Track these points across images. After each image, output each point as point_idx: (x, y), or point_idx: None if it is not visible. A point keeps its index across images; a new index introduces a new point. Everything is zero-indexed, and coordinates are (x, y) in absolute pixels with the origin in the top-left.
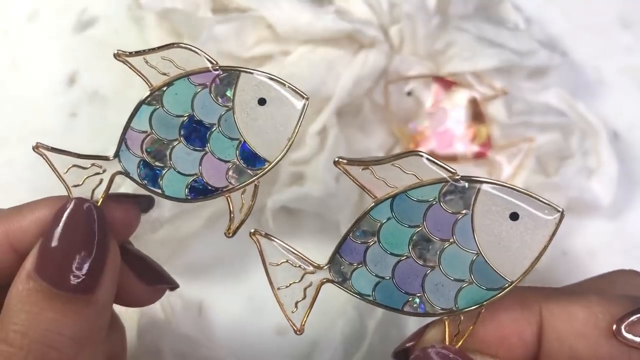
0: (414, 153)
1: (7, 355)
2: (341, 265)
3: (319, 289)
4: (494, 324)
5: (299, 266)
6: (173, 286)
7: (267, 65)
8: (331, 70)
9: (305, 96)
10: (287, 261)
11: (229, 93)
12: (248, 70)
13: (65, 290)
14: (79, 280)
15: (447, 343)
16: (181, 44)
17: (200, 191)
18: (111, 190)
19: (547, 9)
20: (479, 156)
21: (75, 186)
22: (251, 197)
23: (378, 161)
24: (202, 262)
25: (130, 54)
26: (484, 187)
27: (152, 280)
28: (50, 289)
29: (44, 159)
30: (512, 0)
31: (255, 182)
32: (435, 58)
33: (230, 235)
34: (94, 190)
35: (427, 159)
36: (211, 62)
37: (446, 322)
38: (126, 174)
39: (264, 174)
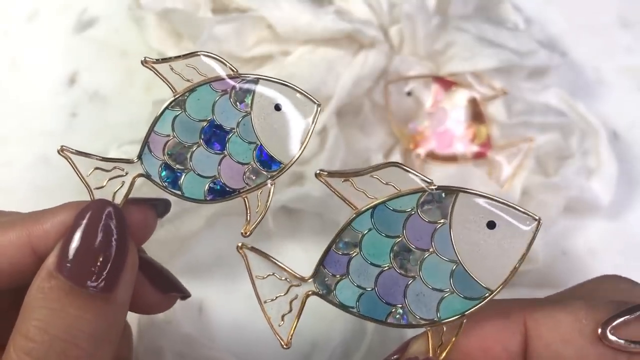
0: (392, 164)
1: (28, 350)
2: (325, 277)
3: (305, 302)
4: (477, 335)
5: (285, 279)
6: (185, 295)
7: (267, 66)
8: (331, 71)
9: (317, 102)
10: (273, 274)
11: (247, 99)
12: (266, 77)
13: (87, 288)
14: (99, 278)
15: (430, 355)
16: (205, 53)
17: (218, 192)
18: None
19: (547, 9)
20: (478, 156)
21: (97, 188)
22: (267, 198)
23: (357, 173)
24: (202, 262)
25: (157, 61)
26: (461, 196)
27: (165, 288)
28: (72, 286)
29: (68, 162)
30: (512, 1)
31: (271, 183)
32: (435, 58)
33: (247, 234)
34: (115, 193)
35: (404, 169)
36: (232, 70)
37: (429, 334)
38: (147, 176)
39: (279, 175)
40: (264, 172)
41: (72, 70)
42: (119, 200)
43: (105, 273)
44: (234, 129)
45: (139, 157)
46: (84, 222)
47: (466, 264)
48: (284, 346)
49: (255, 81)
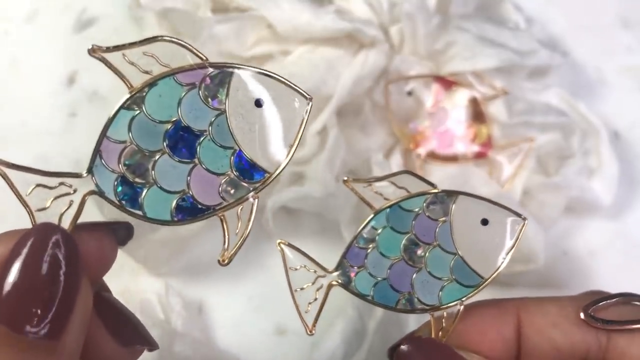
0: (405, 172)
1: None
2: (346, 269)
3: (329, 291)
4: (474, 321)
5: (313, 271)
6: (152, 347)
7: (267, 65)
8: (331, 70)
9: (309, 96)
10: (304, 266)
11: (221, 94)
12: (242, 66)
13: (26, 335)
14: (42, 322)
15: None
16: (165, 37)
17: (188, 211)
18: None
19: (548, 9)
20: (479, 156)
21: (40, 210)
22: (249, 216)
23: (377, 179)
24: (202, 262)
25: (108, 49)
26: (460, 198)
27: (127, 339)
28: (7, 332)
29: (2, 177)
30: (513, 0)
31: (253, 197)
32: (436, 58)
33: (226, 263)
34: (61, 215)
35: (415, 175)
36: (201, 58)
37: (432, 320)
38: (100, 193)
39: (263, 187)
40: (245, 184)
41: (72, 70)
42: (66, 224)
43: (50, 316)
44: (205, 131)
45: (89, 169)
46: (24, 251)
47: (464, 256)
48: (309, 332)
49: (230, 71)
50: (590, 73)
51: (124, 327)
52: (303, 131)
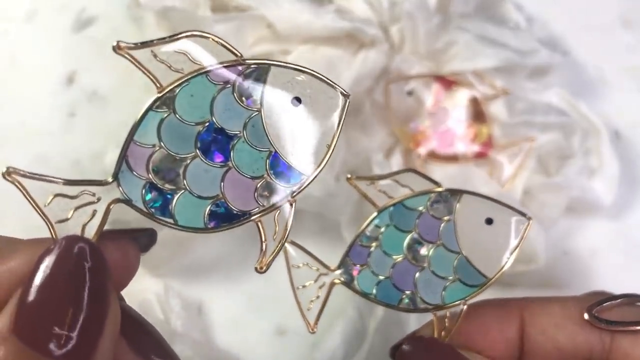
0: (409, 170)
1: None
2: (349, 267)
3: (331, 289)
4: (477, 321)
5: (316, 269)
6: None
7: None
8: (331, 70)
9: (346, 93)
10: (307, 264)
11: (256, 93)
12: (280, 63)
13: (54, 358)
14: (71, 343)
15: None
16: (196, 32)
17: (223, 217)
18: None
19: (549, 9)
20: (480, 156)
21: (60, 222)
22: (286, 220)
23: (380, 177)
24: (202, 262)
25: (135, 46)
26: (464, 197)
27: (148, 351)
28: (32, 354)
29: (17, 188)
30: (513, 0)
31: (291, 201)
32: (436, 57)
33: (263, 270)
34: (84, 226)
35: (419, 174)
36: (235, 54)
37: (434, 320)
38: (128, 201)
39: (301, 191)
40: (281, 187)
41: (71, 70)
42: (90, 235)
43: (78, 334)
44: (239, 132)
45: (115, 176)
46: (48, 266)
47: (468, 255)
48: (311, 330)
49: (266, 68)
50: (591, 73)
51: (144, 339)
52: (341, 129)
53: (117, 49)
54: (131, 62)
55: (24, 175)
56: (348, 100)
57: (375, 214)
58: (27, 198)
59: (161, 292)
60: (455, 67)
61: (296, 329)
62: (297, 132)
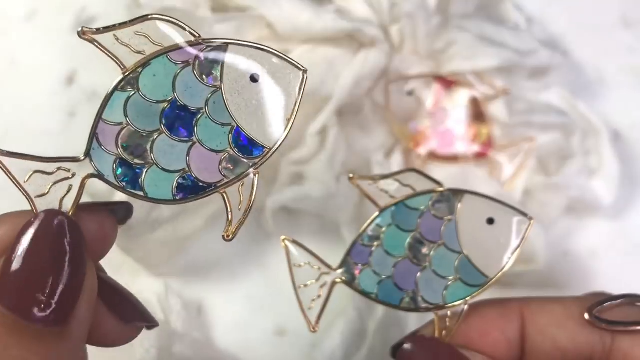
0: (411, 170)
1: None
2: (350, 266)
3: (332, 288)
4: (477, 321)
5: (318, 268)
6: (152, 324)
7: None
8: (331, 70)
9: (303, 68)
10: (308, 263)
11: (216, 70)
12: (237, 42)
13: (33, 321)
14: (49, 309)
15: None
16: (155, 15)
17: (190, 189)
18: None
19: (549, 9)
20: (479, 156)
21: (39, 196)
22: (250, 191)
23: (382, 177)
24: (202, 262)
25: (98, 31)
26: (466, 196)
27: (127, 316)
28: (15, 319)
29: None
30: (513, 0)
31: (254, 172)
32: (436, 57)
33: (230, 238)
34: (62, 200)
35: (421, 173)
36: (194, 35)
37: (436, 319)
38: (100, 176)
39: (263, 162)
40: (244, 160)
41: (71, 70)
42: (67, 208)
43: (57, 301)
44: (202, 109)
45: (87, 153)
46: (28, 238)
47: (469, 255)
48: (312, 330)
49: (224, 47)
50: (591, 73)
51: (123, 305)
52: (300, 104)
53: (81, 34)
54: (95, 46)
55: (3, 154)
56: (306, 76)
57: (377, 213)
58: (8, 175)
59: (161, 291)
60: (455, 67)
61: (296, 329)
62: (257, 107)
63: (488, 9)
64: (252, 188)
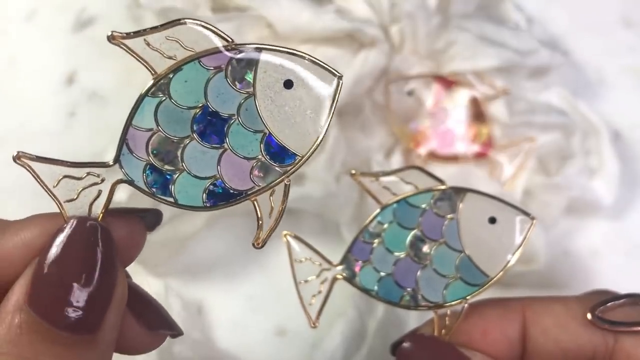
0: (413, 167)
1: None
2: (351, 263)
3: (333, 284)
4: (477, 320)
5: (318, 264)
6: (176, 333)
7: None
8: None
9: (339, 74)
10: (309, 259)
11: (248, 76)
12: (270, 47)
13: (64, 329)
14: (80, 316)
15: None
16: (187, 20)
17: (220, 196)
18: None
19: (549, 9)
20: (479, 156)
21: (68, 201)
22: (282, 199)
23: (385, 174)
24: (202, 262)
25: (128, 35)
26: (468, 195)
27: (153, 324)
28: (46, 326)
29: (28, 171)
30: (514, 0)
31: (286, 181)
32: (436, 57)
33: (260, 246)
34: (91, 205)
35: (424, 171)
36: (226, 40)
37: (435, 318)
38: (130, 182)
39: (295, 170)
40: (276, 168)
41: (71, 70)
42: (96, 213)
43: (88, 308)
44: (234, 115)
45: (116, 159)
46: (60, 243)
47: (470, 254)
48: (312, 325)
49: (257, 52)
50: (592, 73)
51: (149, 312)
52: (334, 111)
53: (111, 39)
54: (126, 51)
55: (32, 159)
56: (341, 82)
57: (378, 210)
58: (37, 180)
59: (161, 292)
60: (455, 67)
61: (296, 329)
62: (290, 114)
63: (488, 9)
64: (284, 196)
